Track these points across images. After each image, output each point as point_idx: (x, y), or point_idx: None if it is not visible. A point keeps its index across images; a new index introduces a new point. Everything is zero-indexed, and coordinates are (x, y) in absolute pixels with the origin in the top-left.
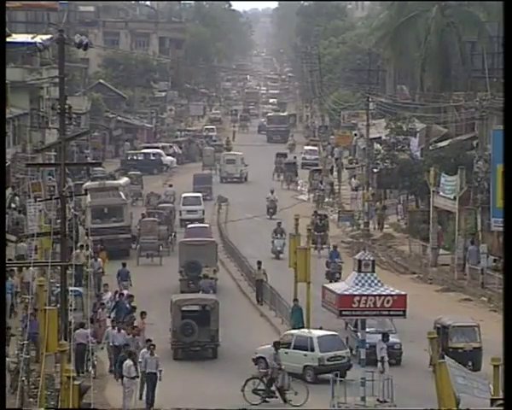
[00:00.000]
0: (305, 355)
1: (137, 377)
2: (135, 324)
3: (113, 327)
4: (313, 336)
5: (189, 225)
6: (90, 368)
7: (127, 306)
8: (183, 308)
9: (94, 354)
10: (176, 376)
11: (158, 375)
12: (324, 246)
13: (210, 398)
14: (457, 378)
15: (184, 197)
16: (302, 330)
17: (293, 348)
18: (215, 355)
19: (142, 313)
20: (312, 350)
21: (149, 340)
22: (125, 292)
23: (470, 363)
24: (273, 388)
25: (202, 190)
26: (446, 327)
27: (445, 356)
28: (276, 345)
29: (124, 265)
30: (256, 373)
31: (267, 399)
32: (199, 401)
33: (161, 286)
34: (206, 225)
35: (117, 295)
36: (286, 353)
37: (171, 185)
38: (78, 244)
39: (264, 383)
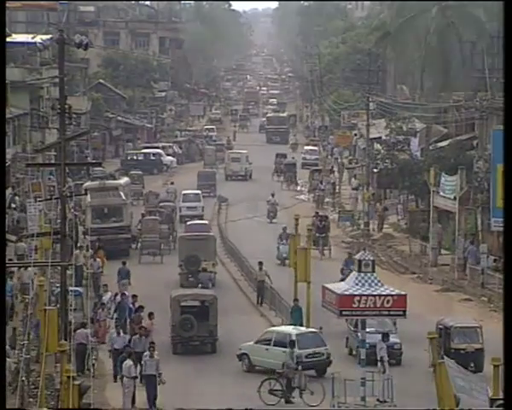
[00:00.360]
0: (284, 352)
1: (137, 377)
2: (143, 324)
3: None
4: (292, 333)
5: (189, 222)
6: (91, 368)
7: (130, 306)
8: (183, 304)
9: (94, 354)
10: (175, 371)
11: (158, 377)
12: (326, 248)
13: (209, 394)
14: (456, 379)
15: (184, 194)
16: (283, 327)
17: (274, 345)
18: (214, 350)
19: (150, 314)
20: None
21: (152, 342)
22: (127, 293)
23: (472, 364)
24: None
25: (206, 187)
26: (448, 328)
27: (445, 357)
28: (291, 344)
29: (124, 263)
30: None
31: (284, 399)
32: (198, 397)
33: (162, 284)
34: (206, 222)
35: (117, 297)
36: (266, 349)
37: (172, 183)
38: (78, 245)
39: (281, 384)
